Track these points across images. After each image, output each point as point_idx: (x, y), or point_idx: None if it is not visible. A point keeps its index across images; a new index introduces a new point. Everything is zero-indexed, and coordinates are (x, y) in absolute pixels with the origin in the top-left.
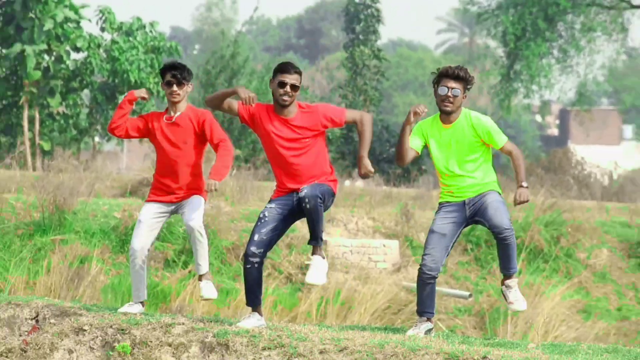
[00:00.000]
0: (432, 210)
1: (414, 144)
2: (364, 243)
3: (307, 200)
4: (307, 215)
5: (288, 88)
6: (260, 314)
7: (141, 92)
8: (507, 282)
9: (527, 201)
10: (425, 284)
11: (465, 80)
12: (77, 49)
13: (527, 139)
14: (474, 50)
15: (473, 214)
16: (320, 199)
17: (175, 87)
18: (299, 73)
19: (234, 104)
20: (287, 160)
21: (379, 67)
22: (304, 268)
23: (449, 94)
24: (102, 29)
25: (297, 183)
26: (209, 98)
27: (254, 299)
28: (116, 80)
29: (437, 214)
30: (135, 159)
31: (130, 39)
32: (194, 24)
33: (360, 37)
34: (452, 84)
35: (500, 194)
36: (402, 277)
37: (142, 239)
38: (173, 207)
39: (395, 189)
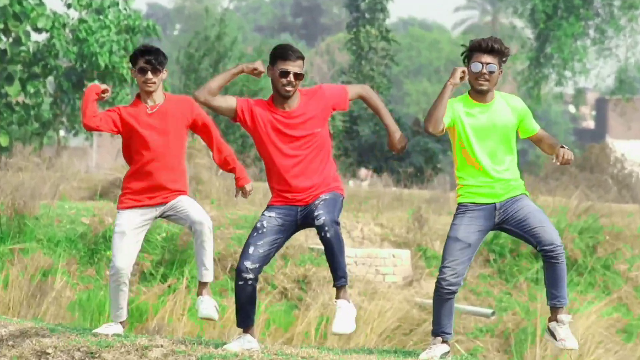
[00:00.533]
0: (450, 214)
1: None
2: (370, 253)
3: (326, 228)
4: (326, 248)
5: (291, 77)
6: (253, 336)
7: (102, 86)
8: (560, 316)
9: (571, 160)
10: (443, 300)
11: (500, 54)
12: (39, 30)
13: (559, 132)
14: (497, 31)
15: (503, 220)
16: (339, 224)
17: (150, 75)
18: (302, 58)
19: (231, 99)
20: (291, 160)
21: (387, 50)
22: (301, 282)
23: (484, 70)
24: (69, 6)
25: (302, 191)
26: (205, 90)
27: (245, 319)
28: (84, 65)
29: (460, 218)
30: (106, 156)
31: (101, 17)
32: (173, 1)
33: (366, 15)
34: (486, 58)
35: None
36: (415, 293)
37: (126, 255)
38: (158, 211)
39: (406, 191)
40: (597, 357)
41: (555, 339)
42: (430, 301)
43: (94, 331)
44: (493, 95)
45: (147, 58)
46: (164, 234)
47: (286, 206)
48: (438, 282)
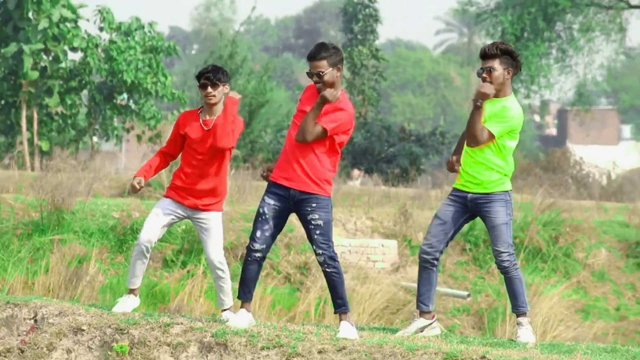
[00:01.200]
0: (431, 210)
1: None
2: (362, 243)
3: (325, 266)
4: (327, 281)
5: (315, 77)
6: (248, 310)
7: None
8: (518, 319)
9: (484, 94)
10: (421, 268)
11: (500, 55)
12: (75, 49)
13: (526, 138)
14: (472, 51)
15: (475, 212)
16: (336, 259)
17: (209, 89)
18: (327, 57)
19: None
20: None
21: (377, 67)
22: (302, 268)
23: (484, 74)
24: (101, 29)
25: (292, 179)
26: (309, 135)
27: (246, 293)
28: (114, 81)
29: (447, 198)
30: (133, 159)
31: (129, 39)
32: (192, 24)
33: (359, 37)
34: (485, 64)
35: (507, 194)
36: (401, 277)
37: (151, 231)
38: (189, 212)
39: (393, 189)
40: (559, 333)
41: (515, 337)
42: (414, 284)
43: (113, 309)
44: (501, 96)
45: (207, 75)
46: (184, 226)
47: (281, 191)
48: (419, 253)
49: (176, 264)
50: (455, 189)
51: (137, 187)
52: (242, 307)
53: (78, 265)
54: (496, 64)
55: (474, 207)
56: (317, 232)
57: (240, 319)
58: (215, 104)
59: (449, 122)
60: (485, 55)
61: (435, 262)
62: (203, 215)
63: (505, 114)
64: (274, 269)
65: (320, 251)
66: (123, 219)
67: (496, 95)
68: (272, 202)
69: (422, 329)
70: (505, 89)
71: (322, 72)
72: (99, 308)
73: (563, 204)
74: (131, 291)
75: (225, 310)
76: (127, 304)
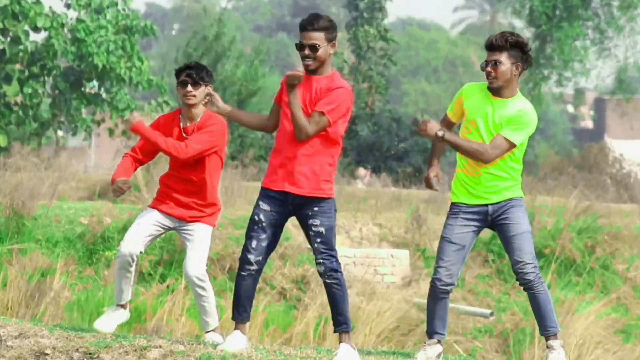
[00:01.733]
0: None
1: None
2: (369, 253)
3: (327, 276)
4: (327, 294)
5: (307, 51)
6: (243, 333)
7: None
8: (549, 342)
9: (421, 130)
10: (437, 299)
11: (509, 48)
12: (37, 29)
13: (557, 132)
14: (496, 31)
15: (494, 223)
16: (339, 270)
17: (190, 88)
18: (324, 29)
19: (274, 110)
20: (291, 135)
21: (386, 49)
22: (299, 282)
23: (489, 67)
24: (67, 6)
25: (293, 183)
26: (301, 130)
27: (241, 312)
28: (82, 65)
29: (453, 218)
30: (104, 156)
31: (99, 17)
32: (172, 1)
33: (365, 15)
34: (490, 56)
35: (522, 202)
36: (413, 293)
37: (133, 242)
38: (175, 224)
39: (405, 191)
40: (596, 357)
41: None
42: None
43: (95, 322)
44: (512, 94)
45: (188, 72)
46: (162, 235)
47: (279, 197)
48: (432, 282)
49: (154, 278)
50: (466, 205)
51: (124, 188)
52: (236, 328)
53: (41, 278)
54: (504, 57)
55: (495, 220)
56: (318, 239)
57: (232, 342)
58: (194, 105)
59: None
60: (492, 46)
61: (451, 289)
62: (190, 226)
63: (524, 119)
64: (267, 283)
65: (321, 260)
66: (93, 226)
67: (503, 94)
68: (267, 207)
69: (439, 355)
70: (512, 86)
71: (318, 45)
72: (65, 329)
73: (600, 208)
74: (120, 306)
75: (209, 332)
76: (114, 318)
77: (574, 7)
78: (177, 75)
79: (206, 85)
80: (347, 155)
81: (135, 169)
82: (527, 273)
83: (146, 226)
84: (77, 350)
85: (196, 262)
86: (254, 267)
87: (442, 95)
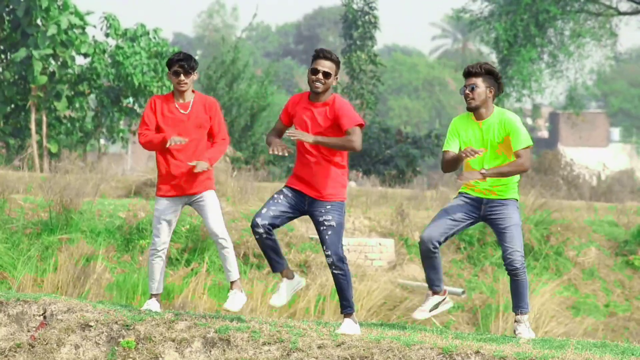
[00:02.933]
0: (427, 210)
1: (453, 147)
2: (360, 242)
3: (334, 267)
4: (335, 282)
5: (320, 75)
6: (289, 277)
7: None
8: (517, 317)
9: (468, 179)
10: (424, 257)
11: (484, 74)
12: (83, 54)
13: None
14: (467, 56)
15: (487, 215)
16: (345, 261)
17: (182, 77)
18: (334, 61)
19: (278, 127)
20: (309, 151)
21: (375, 71)
22: (302, 266)
23: (467, 90)
24: (107, 35)
25: (310, 187)
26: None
27: (274, 264)
28: (121, 84)
29: (455, 199)
30: (139, 161)
31: (134, 44)
32: (195, 30)
33: (358, 42)
34: (468, 80)
35: (517, 202)
36: (398, 275)
37: (163, 236)
38: (185, 200)
39: (390, 190)
40: (551, 328)
41: (515, 332)
42: (410, 282)
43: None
44: (489, 113)
45: (181, 63)
46: (188, 226)
47: (298, 195)
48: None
49: (180, 262)
50: (467, 193)
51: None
52: (282, 276)
53: (85, 263)
54: (479, 82)
55: (487, 211)
56: (329, 232)
57: (280, 296)
58: (186, 90)
59: (444, 124)
60: (470, 73)
61: (436, 249)
62: (197, 197)
63: (516, 124)
64: None
65: (330, 252)
66: (129, 219)
67: (481, 116)
68: (290, 193)
69: (437, 305)
70: (488, 106)
71: (331, 74)
72: (106, 305)
73: (554, 204)
74: (153, 296)
75: (233, 284)
76: (151, 306)
77: (532, 35)
78: (169, 65)
79: (195, 73)
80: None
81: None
82: (515, 260)
83: (165, 218)
84: (116, 322)
85: (216, 221)
86: (261, 230)
87: (422, 110)
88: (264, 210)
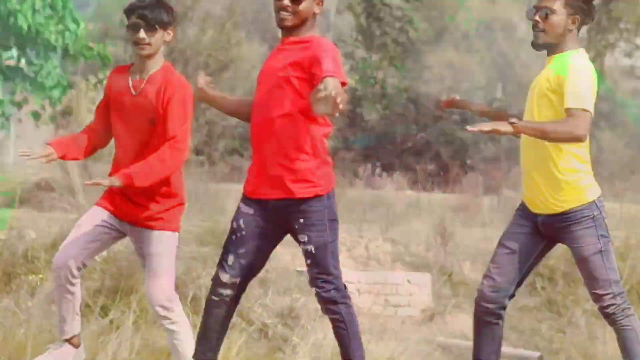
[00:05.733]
0: (482, 227)
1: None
2: (378, 278)
3: (325, 309)
4: (334, 332)
5: (287, 1)
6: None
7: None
8: None
9: (483, 131)
10: (480, 322)
11: None
12: None
13: (628, 117)
14: None
15: (553, 238)
16: (341, 301)
17: (142, 33)
18: None
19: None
20: (262, 108)
21: (404, 9)
22: (285, 316)
23: (537, 16)
24: None
25: (266, 184)
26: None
27: (206, 352)
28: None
29: (513, 217)
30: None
31: None
32: None
33: None
34: (541, 2)
35: (593, 208)
36: (437, 330)
37: (71, 250)
38: (126, 228)
39: (425, 195)
40: None
41: None
42: (458, 341)
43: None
44: (560, 51)
45: (142, 12)
46: (104, 253)
47: (262, 204)
48: (475, 299)
49: (93, 311)
50: (522, 205)
51: (45, 158)
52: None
53: None
54: (557, 5)
55: (547, 231)
56: (309, 260)
57: None
58: (148, 55)
59: (510, 92)
60: None
61: (501, 312)
62: (145, 233)
63: (578, 74)
64: (243, 318)
65: (315, 289)
66: (10, 242)
67: (552, 51)
68: (251, 211)
69: None
70: (566, 42)
71: None
72: None
73: None
74: (67, 342)
75: None
76: (61, 352)
77: None
78: (127, 15)
79: (166, 30)
80: (350, 149)
81: (92, 147)
82: (604, 306)
83: (88, 228)
84: None
85: (160, 285)
86: (229, 292)
87: (475, 70)
88: (230, 259)
